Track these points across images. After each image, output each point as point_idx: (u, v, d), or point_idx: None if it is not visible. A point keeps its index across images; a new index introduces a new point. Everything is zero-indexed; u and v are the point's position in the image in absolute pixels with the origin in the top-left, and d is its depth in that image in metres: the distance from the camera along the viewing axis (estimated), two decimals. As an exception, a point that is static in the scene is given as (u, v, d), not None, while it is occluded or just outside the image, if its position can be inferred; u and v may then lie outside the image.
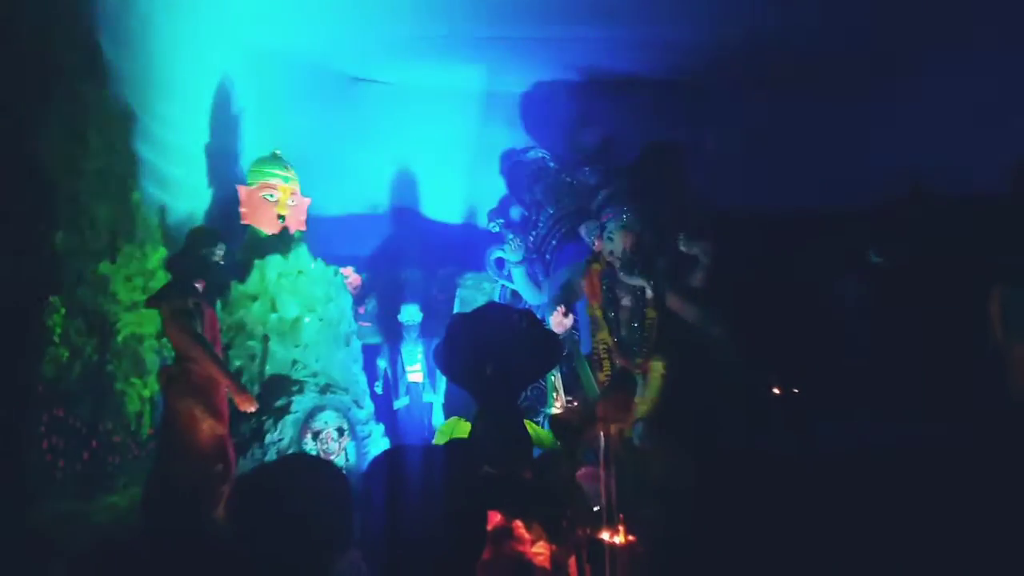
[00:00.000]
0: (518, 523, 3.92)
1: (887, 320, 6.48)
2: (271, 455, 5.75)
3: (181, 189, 6.27)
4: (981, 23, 6.56)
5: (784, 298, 6.56)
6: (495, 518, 3.93)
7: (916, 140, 7.15)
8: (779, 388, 6.05)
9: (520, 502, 3.99)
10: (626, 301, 6.25)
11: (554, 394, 6.46)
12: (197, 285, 4.98)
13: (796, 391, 6.06)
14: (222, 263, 5.27)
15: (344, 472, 4.18)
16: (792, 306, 6.54)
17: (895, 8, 6.59)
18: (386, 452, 3.80)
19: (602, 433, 4.55)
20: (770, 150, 7.56)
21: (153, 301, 4.95)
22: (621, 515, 4.15)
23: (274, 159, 6.46)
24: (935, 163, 6.93)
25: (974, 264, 6.09)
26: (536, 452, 4.85)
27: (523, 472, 4.33)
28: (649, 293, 6.20)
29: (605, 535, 4.10)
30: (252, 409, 4.96)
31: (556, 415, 5.36)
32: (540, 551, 3.99)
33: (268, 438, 5.83)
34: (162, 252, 5.82)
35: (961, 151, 6.59)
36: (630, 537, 4.11)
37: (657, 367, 5.82)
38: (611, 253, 6.41)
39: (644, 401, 5.69)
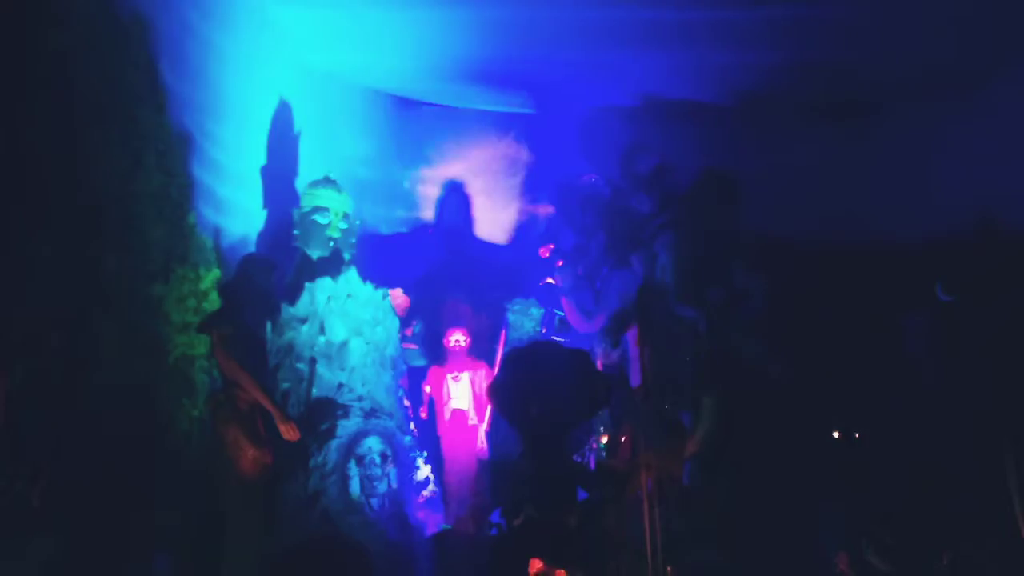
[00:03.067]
0: (560, 572, 3.80)
1: (956, 358, 6.17)
2: (315, 480, 5.74)
3: (235, 211, 6.34)
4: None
5: (846, 335, 6.29)
6: (536, 565, 3.82)
7: (986, 172, 6.82)
8: (839, 432, 5.80)
9: (564, 549, 3.87)
10: (678, 334, 6.09)
11: (600, 428, 6.32)
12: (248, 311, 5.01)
13: (857, 435, 5.79)
14: (274, 290, 5.29)
15: (366, 556, 4.11)
16: (855, 344, 6.27)
17: (961, 36, 6.29)
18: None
19: (649, 480, 4.40)
20: (830, 180, 7.30)
21: (204, 327, 4.99)
22: (669, 568, 3.99)
23: (326, 182, 6.49)
24: (1006, 195, 6.61)
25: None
26: (581, 496, 4.74)
27: (567, 518, 4.21)
28: (702, 326, 6.02)
29: (651, 587, 3.96)
30: (295, 438, 4.96)
31: (605, 462, 5.21)
32: (583, 601, 3.87)
33: (312, 462, 5.82)
34: (215, 273, 5.87)
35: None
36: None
37: (709, 403, 5.64)
38: (663, 284, 6.26)
39: (694, 438, 5.52)
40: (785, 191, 6.95)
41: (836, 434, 5.78)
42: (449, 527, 5.69)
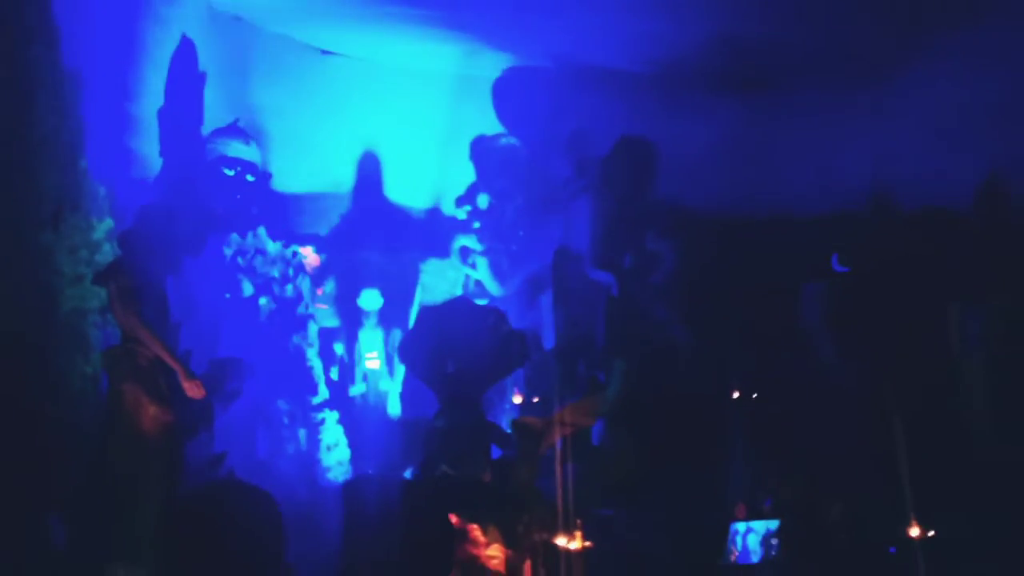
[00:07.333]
0: (473, 526, 3.84)
1: (848, 326, 6.54)
2: (219, 441, 5.57)
3: (132, 158, 5.97)
4: (954, 37, 6.56)
5: (748, 301, 6.55)
6: (451, 520, 3.84)
7: (885, 152, 7.19)
8: (739, 393, 6.07)
9: (477, 505, 3.92)
10: (592, 297, 6.20)
11: (514, 388, 6.39)
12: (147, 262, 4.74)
13: (755, 396, 6.08)
14: (174, 242, 5.03)
15: (272, 499, 4.07)
16: (755, 309, 6.54)
17: (871, 18, 6.57)
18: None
19: (561, 438, 4.49)
20: (737, 152, 7.51)
21: (100, 278, 4.71)
22: (579, 520, 4.10)
23: (234, 131, 6.20)
24: (902, 176, 6.99)
25: (935, 276, 6.17)
26: (495, 454, 4.79)
27: (481, 474, 4.25)
28: (614, 290, 6.15)
29: (561, 540, 4.05)
30: (200, 395, 4.76)
31: (519, 420, 5.29)
32: (494, 555, 3.93)
33: (218, 423, 5.64)
34: (108, 223, 5.55)
35: (928, 165, 6.63)
36: (586, 543, 4.07)
37: (619, 365, 5.79)
38: (578, 247, 6.34)
39: (604, 399, 5.66)
40: (694, 161, 7.11)
41: (736, 395, 6.05)
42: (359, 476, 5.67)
